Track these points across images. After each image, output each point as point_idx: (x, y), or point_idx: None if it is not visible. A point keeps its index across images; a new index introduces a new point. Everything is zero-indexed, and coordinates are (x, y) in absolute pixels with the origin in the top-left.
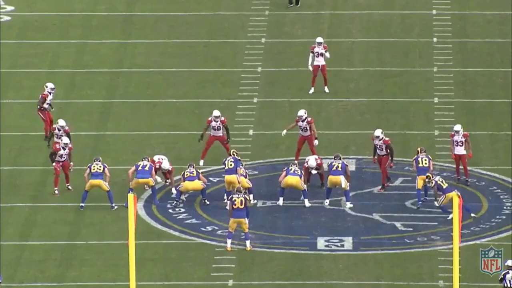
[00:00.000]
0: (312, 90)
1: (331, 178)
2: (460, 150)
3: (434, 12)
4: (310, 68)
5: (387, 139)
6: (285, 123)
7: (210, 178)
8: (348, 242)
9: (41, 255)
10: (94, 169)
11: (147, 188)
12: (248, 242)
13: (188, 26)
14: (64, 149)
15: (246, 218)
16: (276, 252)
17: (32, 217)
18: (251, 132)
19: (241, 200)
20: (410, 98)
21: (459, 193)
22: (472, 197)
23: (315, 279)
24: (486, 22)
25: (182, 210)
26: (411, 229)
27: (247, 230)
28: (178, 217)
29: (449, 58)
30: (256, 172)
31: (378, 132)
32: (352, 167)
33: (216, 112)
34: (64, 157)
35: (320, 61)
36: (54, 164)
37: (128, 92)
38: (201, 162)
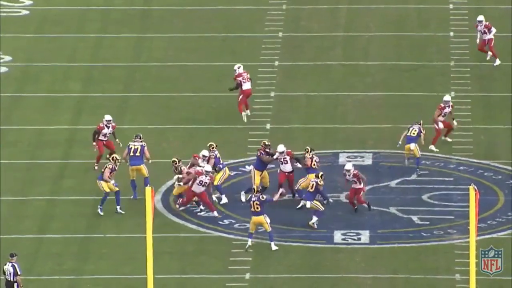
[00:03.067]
0: (497, 62)
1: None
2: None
3: (451, 6)
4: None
5: (356, 172)
6: (301, 117)
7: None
8: (365, 235)
9: (59, 248)
10: (132, 153)
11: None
12: (273, 244)
13: (206, 21)
14: (108, 127)
15: (265, 216)
16: (293, 246)
17: (50, 210)
18: (268, 126)
19: (256, 204)
20: (426, 92)
21: (475, 187)
22: (488, 190)
23: (331, 272)
24: (503, 16)
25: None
26: (427, 222)
27: (269, 229)
28: (196, 211)
29: (466, 52)
30: (273, 166)
31: (348, 166)
32: (369, 161)
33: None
34: (108, 136)
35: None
36: (94, 143)
37: (145, 86)
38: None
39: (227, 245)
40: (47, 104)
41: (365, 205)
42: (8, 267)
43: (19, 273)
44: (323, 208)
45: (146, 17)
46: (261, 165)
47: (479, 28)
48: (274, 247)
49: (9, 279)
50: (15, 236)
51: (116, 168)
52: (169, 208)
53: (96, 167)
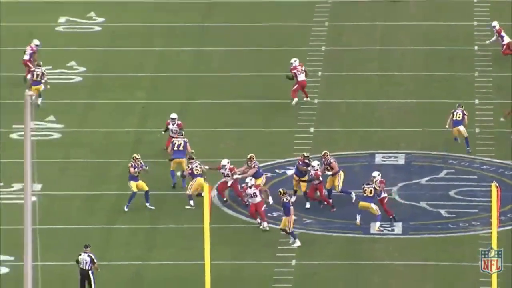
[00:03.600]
0: None
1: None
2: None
3: (475, 23)
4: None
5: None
6: (341, 121)
7: (276, 170)
8: (398, 227)
9: (127, 238)
10: (176, 147)
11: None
12: (297, 241)
13: (257, 36)
14: (173, 124)
15: (289, 216)
16: (333, 236)
17: (118, 204)
18: (311, 129)
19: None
20: (453, 100)
21: (497, 184)
22: (509, 187)
23: (368, 260)
24: None
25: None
26: (454, 215)
27: (292, 229)
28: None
29: (489, 64)
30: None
31: (375, 173)
32: (402, 161)
33: None
34: (174, 132)
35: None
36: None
37: (203, 94)
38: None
39: (275, 235)
40: (116, 109)
41: (391, 217)
42: (84, 257)
43: (95, 261)
44: (379, 213)
45: (205, 32)
46: (299, 173)
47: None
48: (297, 244)
49: (84, 268)
50: (88, 227)
51: (137, 166)
52: (223, 201)
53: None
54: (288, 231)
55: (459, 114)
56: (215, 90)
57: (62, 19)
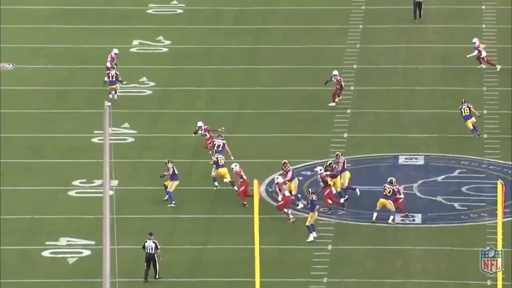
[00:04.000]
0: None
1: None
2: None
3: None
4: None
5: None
6: (370, 128)
7: (315, 170)
8: (418, 218)
9: (189, 226)
10: (216, 148)
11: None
12: (311, 235)
13: (299, 56)
14: (201, 131)
15: (314, 213)
16: (363, 225)
17: (182, 196)
18: (345, 135)
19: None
20: None
21: (502, 182)
22: (511, 184)
23: (392, 245)
24: None
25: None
26: (465, 208)
27: (311, 223)
28: (291, 198)
29: (495, 80)
30: (349, 165)
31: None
32: (421, 162)
33: None
34: (202, 135)
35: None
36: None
37: (254, 105)
38: None
39: (314, 224)
40: (180, 118)
41: (406, 214)
42: (150, 243)
43: (159, 247)
44: (394, 209)
45: (255, 53)
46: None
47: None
48: (311, 238)
49: (150, 252)
50: (157, 216)
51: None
52: (271, 196)
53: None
54: (307, 224)
55: (467, 110)
56: (264, 102)
57: (135, 42)
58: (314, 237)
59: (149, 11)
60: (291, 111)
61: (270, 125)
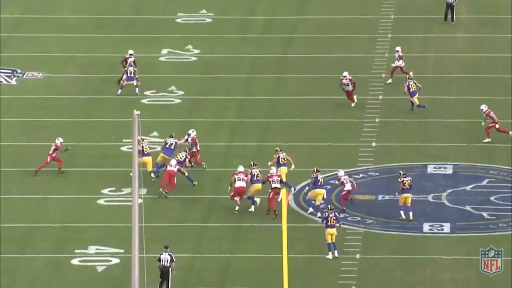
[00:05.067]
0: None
1: (328, 230)
2: None
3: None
4: None
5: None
6: (399, 137)
7: (337, 182)
8: (446, 227)
9: (217, 234)
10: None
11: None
12: (336, 252)
13: (328, 65)
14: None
15: (336, 227)
16: (392, 234)
17: (211, 205)
18: (373, 144)
19: (333, 219)
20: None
21: None
22: None
23: (421, 254)
24: None
25: (322, 202)
26: (494, 217)
27: (335, 241)
28: (320, 207)
29: None
30: (377, 174)
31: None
32: (450, 171)
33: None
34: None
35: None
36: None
37: (282, 113)
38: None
39: (342, 233)
40: (209, 126)
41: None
42: (165, 256)
43: (174, 260)
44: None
45: (284, 62)
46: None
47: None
48: (331, 256)
49: (165, 265)
50: (185, 225)
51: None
52: (299, 204)
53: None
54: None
55: (414, 86)
56: (293, 111)
57: (164, 51)
58: (255, 206)
59: (178, 20)
60: (320, 120)
61: (299, 134)
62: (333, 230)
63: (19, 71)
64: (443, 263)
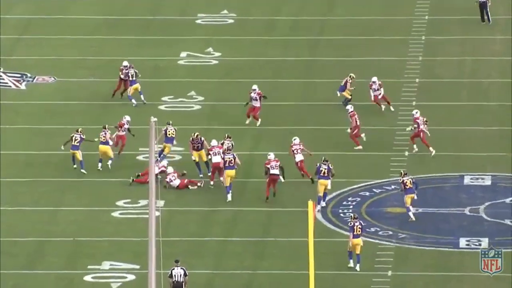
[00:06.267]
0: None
1: (321, 181)
2: None
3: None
4: None
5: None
6: (433, 146)
7: (374, 190)
8: (484, 242)
9: (239, 249)
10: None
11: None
12: (358, 266)
13: (358, 68)
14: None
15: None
16: (426, 250)
17: (234, 219)
18: (406, 153)
19: (359, 228)
20: None
21: None
22: None
23: (457, 271)
24: None
25: (351, 214)
26: None
27: (359, 252)
28: (347, 220)
29: None
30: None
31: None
32: (488, 182)
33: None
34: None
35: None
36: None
37: (310, 121)
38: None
39: (373, 248)
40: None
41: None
42: (177, 271)
43: (187, 274)
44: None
45: (311, 65)
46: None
47: (373, 86)
48: (352, 264)
49: (178, 280)
50: (205, 239)
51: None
52: (326, 217)
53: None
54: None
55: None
56: (321, 117)
57: (183, 54)
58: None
59: (198, 21)
60: (348, 127)
61: (327, 142)
62: (359, 240)
63: (29, 75)
64: (481, 280)
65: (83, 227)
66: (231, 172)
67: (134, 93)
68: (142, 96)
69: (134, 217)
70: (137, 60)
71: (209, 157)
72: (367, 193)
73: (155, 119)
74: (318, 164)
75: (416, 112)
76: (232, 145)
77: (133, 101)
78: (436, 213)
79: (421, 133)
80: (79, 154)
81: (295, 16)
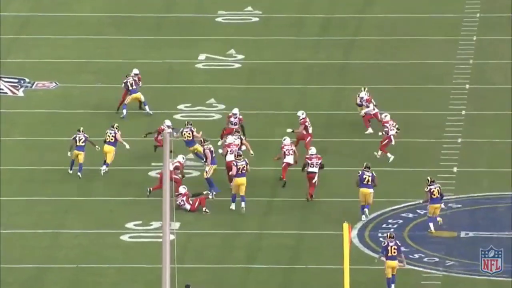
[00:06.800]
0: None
1: (362, 190)
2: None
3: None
4: None
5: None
6: (485, 161)
7: (418, 211)
8: None
9: (265, 277)
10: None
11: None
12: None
13: (398, 73)
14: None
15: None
16: (477, 279)
17: (258, 243)
18: (455, 169)
19: (394, 249)
20: None
21: None
22: None
23: None
24: None
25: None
26: None
27: (395, 274)
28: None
29: None
30: (459, 206)
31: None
32: None
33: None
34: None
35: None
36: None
37: (343, 132)
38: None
39: (417, 277)
40: (255, 147)
41: None
42: None
43: None
44: None
45: (344, 69)
46: None
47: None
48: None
49: None
50: (226, 266)
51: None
52: (364, 242)
53: None
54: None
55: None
56: (355, 128)
57: (202, 56)
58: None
59: (219, 19)
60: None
61: (362, 156)
62: (394, 263)
63: (27, 80)
64: None
65: (88, 252)
66: (243, 180)
67: (132, 102)
68: (147, 107)
69: (146, 241)
70: (148, 63)
71: (205, 150)
72: (410, 215)
73: (170, 130)
74: (360, 172)
75: (386, 116)
76: (241, 139)
77: (124, 111)
78: (488, 238)
79: (388, 139)
80: (82, 156)
81: (327, 13)
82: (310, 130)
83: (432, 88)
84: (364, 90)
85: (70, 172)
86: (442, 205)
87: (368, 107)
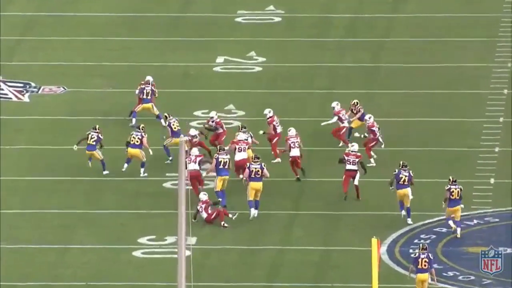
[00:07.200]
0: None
1: (399, 192)
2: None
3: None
4: None
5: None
6: None
7: (444, 229)
8: None
9: None
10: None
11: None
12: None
13: (430, 77)
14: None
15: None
16: None
17: (280, 259)
18: (492, 180)
19: (425, 261)
20: None
21: None
22: None
23: None
24: None
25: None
26: None
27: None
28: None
29: None
30: (497, 220)
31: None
32: None
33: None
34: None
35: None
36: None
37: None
38: None
39: None
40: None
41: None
42: None
43: None
44: None
45: (373, 73)
46: None
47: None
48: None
49: None
50: (245, 284)
51: None
52: (394, 258)
53: None
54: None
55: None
56: (385, 136)
57: (220, 59)
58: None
59: (238, 19)
60: (420, 149)
61: (393, 165)
62: (425, 276)
63: (33, 84)
64: None
65: (98, 269)
66: (258, 185)
67: (142, 111)
68: (162, 121)
69: (160, 257)
70: (163, 66)
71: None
72: (444, 229)
73: (186, 138)
74: (396, 171)
75: (370, 118)
76: (251, 135)
77: (133, 120)
78: None
79: (374, 142)
80: (97, 154)
81: (355, 13)
82: (278, 130)
83: (467, 93)
84: (335, 102)
85: (89, 165)
86: (475, 221)
87: (343, 119)
